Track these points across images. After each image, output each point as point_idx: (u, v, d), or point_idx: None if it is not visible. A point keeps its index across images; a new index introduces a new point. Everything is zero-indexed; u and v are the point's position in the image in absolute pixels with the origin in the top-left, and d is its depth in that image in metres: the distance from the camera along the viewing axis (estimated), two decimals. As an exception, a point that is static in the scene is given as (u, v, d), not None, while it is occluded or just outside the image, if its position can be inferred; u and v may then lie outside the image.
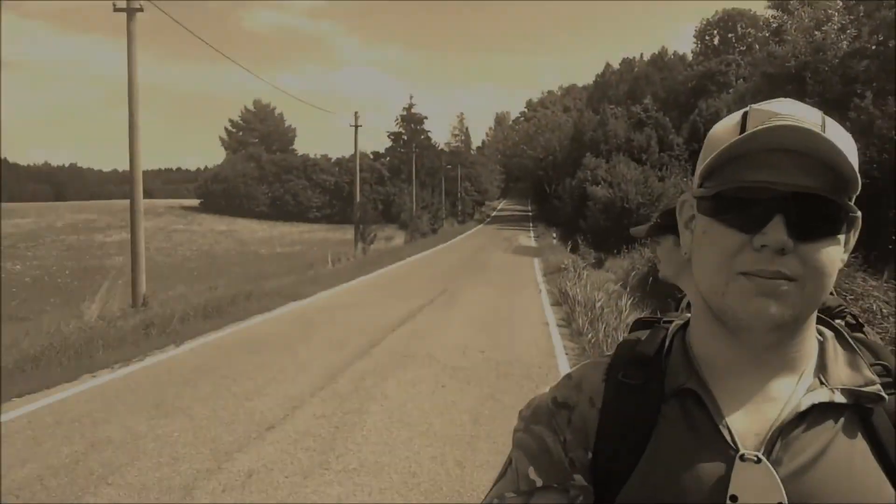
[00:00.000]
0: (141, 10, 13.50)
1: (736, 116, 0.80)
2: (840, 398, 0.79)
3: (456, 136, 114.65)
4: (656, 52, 77.30)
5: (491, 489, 0.86)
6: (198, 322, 11.10)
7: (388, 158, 67.34)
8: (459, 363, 8.54)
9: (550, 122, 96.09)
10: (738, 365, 0.81)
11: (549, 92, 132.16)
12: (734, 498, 0.74)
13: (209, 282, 16.71)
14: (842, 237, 0.78)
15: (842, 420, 0.79)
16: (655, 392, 0.83)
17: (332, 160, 66.66)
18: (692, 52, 67.91)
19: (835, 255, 0.77)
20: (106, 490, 4.64)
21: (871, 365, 0.83)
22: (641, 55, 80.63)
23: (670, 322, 0.92)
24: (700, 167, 0.81)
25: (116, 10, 13.48)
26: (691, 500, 0.76)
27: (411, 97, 75.61)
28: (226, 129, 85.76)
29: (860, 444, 0.78)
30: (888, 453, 0.77)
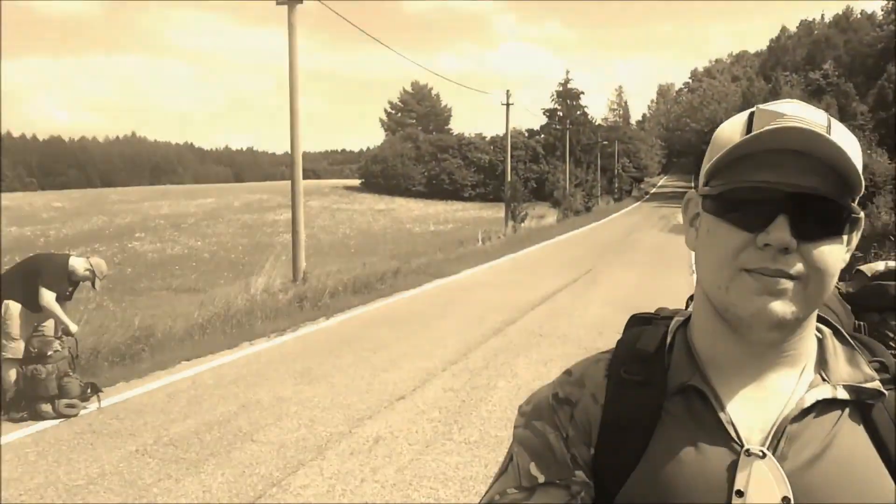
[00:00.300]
0: (300, 1, 14.33)
1: (742, 117, 0.82)
2: (842, 394, 0.81)
3: (614, 110, 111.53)
4: (840, 13, 70.78)
5: (492, 485, 0.86)
6: (347, 297, 11.81)
7: (542, 136, 66.79)
8: (594, 344, 8.48)
9: (717, 93, 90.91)
10: (740, 361, 0.82)
11: (717, 60, 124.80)
12: (740, 493, 0.76)
13: (364, 258, 17.59)
14: (844, 237, 0.80)
15: (843, 416, 0.80)
16: (658, 388, 0.83)
17: (487, 139, 67.04)
18: (882, 9, 61.30)
19: (837, 254, 0.78)
20: (250, 446, 5.16)
21: (870, 362, 0.85)
22: (822, 16, 74.10)
23: (668, 318, 0.93)
24: (705, 166, 0.83)
25: (279, 3, 14.41)
26: (697, 496, 0.77)
27: (567, 72, 74.31)
28: (385, 110, 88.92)
29: (862, 439, 0.79)
30: (888, 448, 0.79)
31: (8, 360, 5.86)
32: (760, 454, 0.77)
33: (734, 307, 0.78)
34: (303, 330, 9.43)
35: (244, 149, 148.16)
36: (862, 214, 0.81)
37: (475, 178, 62.90)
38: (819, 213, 0.76)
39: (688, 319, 0.90)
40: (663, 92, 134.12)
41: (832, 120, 0.79)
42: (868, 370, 0.83)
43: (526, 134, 66.60)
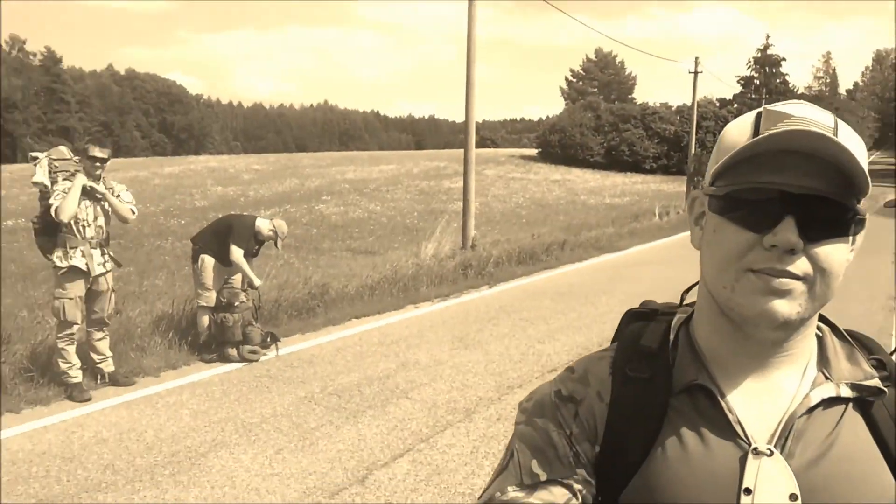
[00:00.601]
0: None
1: (749, 117, 0.83)
2: (846, 392, 0.82)
3: (819, 78, 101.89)
4: None
5: (491, 482, 0.86)
6: (512, 266, 11.95)
7: (735, 105, 62.65)
8: (766, 331, 7.99)
9: (946, 58, 79.92)
10: (744, 359, 0.83)
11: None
12: (748, 491, 0.77)
13: (533, 229, 17.62)
14: (850, 238, 0.80)
15: (845, 413, 0.82)
16: (664, 386, 0.84)
17: (673, 108, 63.90)
18: None
19: (842, 255, 0.79)
20: (404, 403, 5.47)
21: (867, 359, 0.86)
22: None
23: (667, 314, 0.93)
24: (712, 167, 0.84)
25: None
26: (705, 494, 0.78)
27: (767, 37, 68.58)
28: (566, 78, 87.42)
29: (863, 436, 0.81)
30: (888, 444, 0.80)
31: (202, 308, 6.61)
32: (768, 452, 0.78)
33: (740, 307, 0.79)
34: (465, 297, 9.72)
35: (426, 117, 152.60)
36: (867, 215, 0.80)
37: (658, 149, 60.27)
38: (825, 215, 0.77)
39: (690, 316, 0.90)
40: (880, 58, 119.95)
41: (839, 121, 0.79)
42: (867, 368, 0.84)
43: (717, 104, 62.82)
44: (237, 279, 6.78)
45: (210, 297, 6.59)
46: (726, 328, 0.83)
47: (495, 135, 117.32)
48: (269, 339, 6.72)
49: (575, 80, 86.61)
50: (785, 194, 0.76)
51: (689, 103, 43.53)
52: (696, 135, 35.64)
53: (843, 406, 0.82)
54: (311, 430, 4.93)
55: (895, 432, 0.81)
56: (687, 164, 32.03)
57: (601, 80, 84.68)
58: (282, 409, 5.31)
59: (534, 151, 65.85)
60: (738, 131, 0.82)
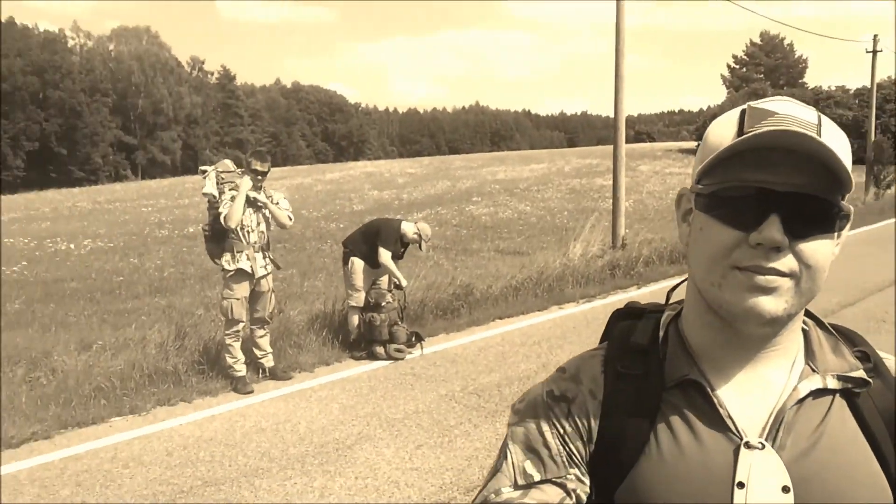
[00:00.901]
0: (627, -37, 14.04)
1: (733, 115, 0.83)
2: (832, 384, 0.84)
3: None
4: None
5: (485, 484, 0.86)
6: (663, 266, 11.54)
7: (925, 85, 56.47)
8: (953, 335, 7.18)
9: None
10: (733, 354, 0.84)
11: None
12: (741, 484, 0.78)
13: (689, 226, 16.89)
14: (835, 233, 0.81)
15: (833, 404, 0.83)
16: (656, 382, 0.84)
17: (850, 92, 58.70)
18: None
19: (828, 250, 0.80)
20: (543, 404, 5.46)
21: (852, 351, 0.88)
22: None
23: (655, 312, 0.93)
24: (697, 165, 0.84)
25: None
26: (699, 489, 0.79)
27: (964, 6, 60.82)
28: (728, 65, 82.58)
29: (850, 426, 0.82)
30: (874, 434, 0.82)
31: (352, 308, 6.97)
32: (760, 446, 0.79)
33: (727, 304, 0.79)
34: (612, 297, 9.53)
35: (578, 113, 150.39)
36: (851, 210, 0.79)
37: (831, 136, 55.65)
38: (810, 212, 0.77)
39: (678, 313, 0.91)
40: None
41: (822, 118, 0.78)
42: (852, 359, 0.86)
43: (902, 84, 56.89)
44: (384, 280, 7.07)
45: (359, 298, 6.93)
46: (715, 324, 0.84)
47: (651, 128, 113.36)
48: (414, 339, 6.96)
49: (738, 66, 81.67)
50: (769, 192, 0.77)
51: (868, 85, 39.82)
52: (877, 119, 32.55)
53: (830, 397, 0.83)
54: (451, 427, 5.07)
55: (881, 422, 0.82)
56: (867, 152, 29.26)
57: (767, 65, 79.27)
58: (423, 407, 5.49)
59: (693, 144, 62.98)
60: (722, 129, 0.83)
